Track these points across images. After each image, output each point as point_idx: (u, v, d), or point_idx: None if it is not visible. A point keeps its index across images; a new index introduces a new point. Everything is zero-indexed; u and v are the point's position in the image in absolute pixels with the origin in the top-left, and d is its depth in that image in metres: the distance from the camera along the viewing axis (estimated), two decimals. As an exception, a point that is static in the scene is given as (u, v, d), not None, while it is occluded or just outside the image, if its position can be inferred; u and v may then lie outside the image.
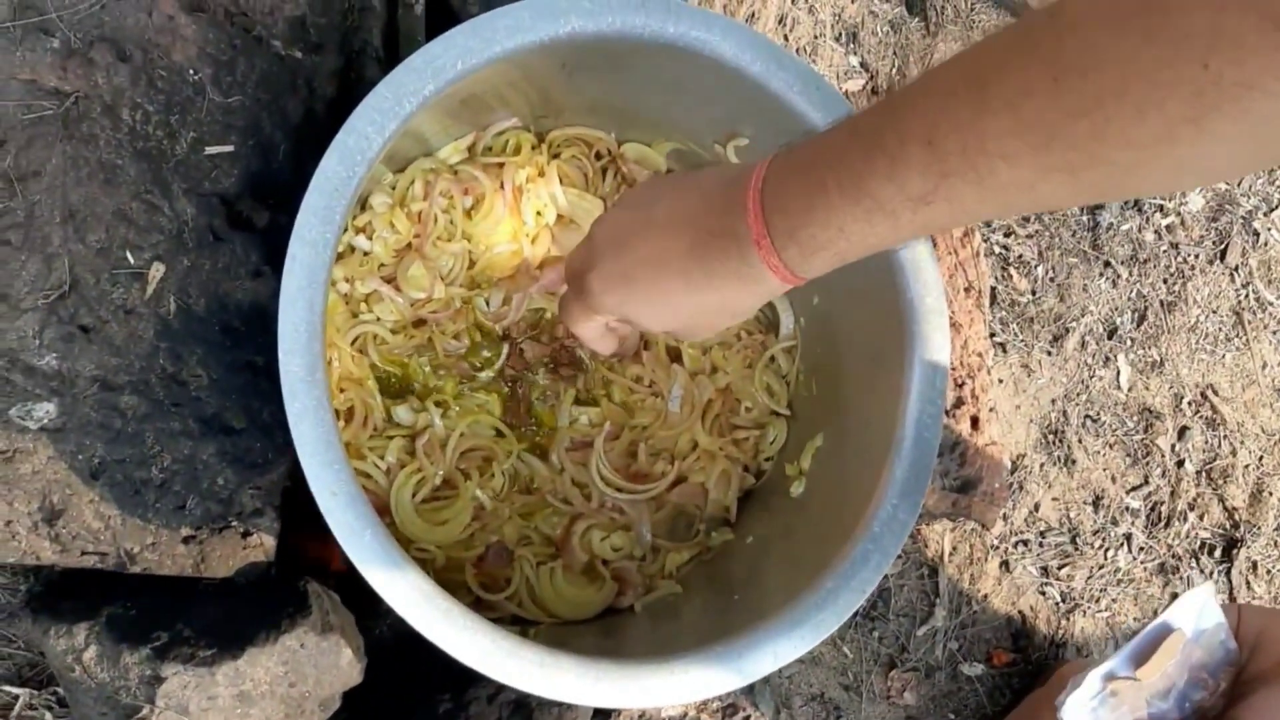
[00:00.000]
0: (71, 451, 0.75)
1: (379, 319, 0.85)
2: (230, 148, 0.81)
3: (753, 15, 1.21)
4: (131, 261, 0.77)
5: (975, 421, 1.07)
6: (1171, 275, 1.38)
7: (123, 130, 0.78)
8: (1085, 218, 1.37)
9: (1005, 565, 1.28)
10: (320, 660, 0.78)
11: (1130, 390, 1.37)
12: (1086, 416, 1.35)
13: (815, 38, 1.26)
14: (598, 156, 0.93)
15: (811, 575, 0.77)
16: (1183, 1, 0.39)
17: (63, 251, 0.75)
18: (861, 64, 1.29)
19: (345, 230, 0.85)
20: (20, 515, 0.75)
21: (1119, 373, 1.36)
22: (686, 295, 0.61)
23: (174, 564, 0.78)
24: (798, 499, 0.88)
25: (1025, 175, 0.46)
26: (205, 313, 0.79)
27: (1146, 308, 1.37)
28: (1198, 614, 0.78)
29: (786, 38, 1.24)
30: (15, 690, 0.90)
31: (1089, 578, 1.32)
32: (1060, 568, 1.31)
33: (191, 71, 0.80)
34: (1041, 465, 1.32)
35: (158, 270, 0.78)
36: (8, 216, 0.75)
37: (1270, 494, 1.41)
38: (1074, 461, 1.33)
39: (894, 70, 1.30)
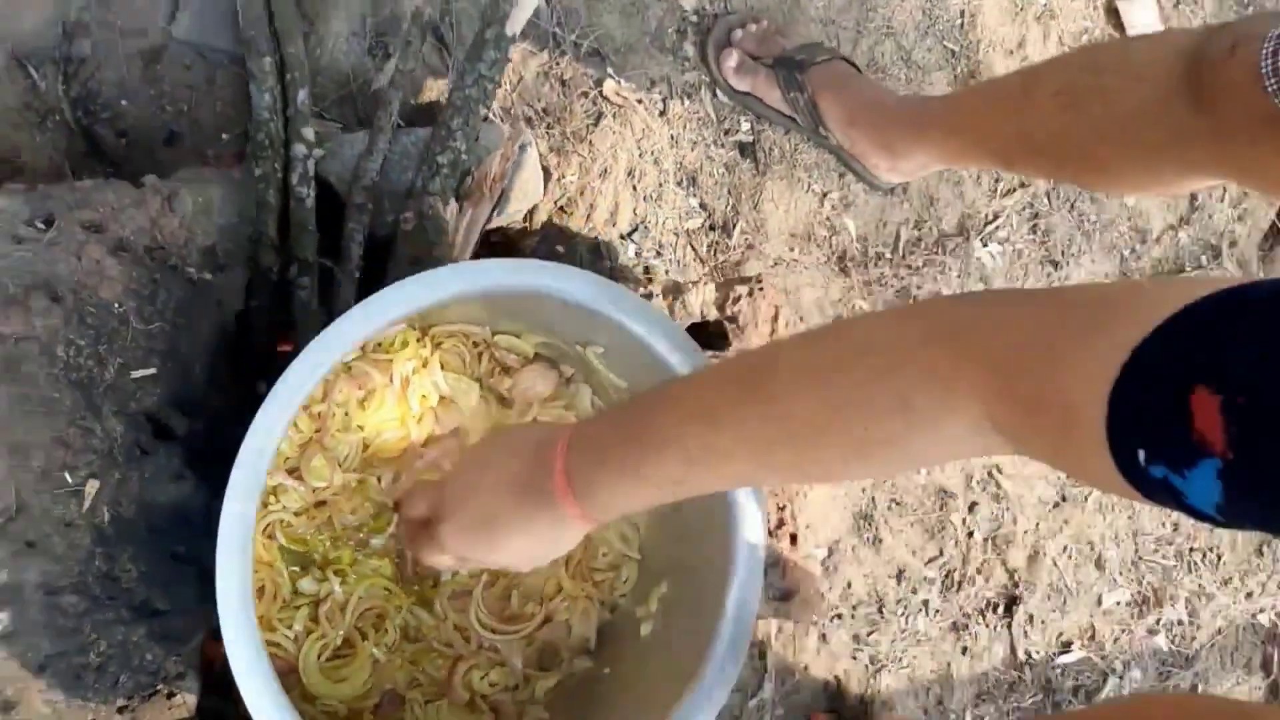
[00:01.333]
0: (22, 651, 0.86)
1: (284, 507, 0.98)
2: (153, 370, 0.92)
3: (605, 170, 1.37)
4: (70, 481, 0.88)
5: (794, 538, 1.27)
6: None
7: (58, 365, 0.89)
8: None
9: (823, 637, 1.50)
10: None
11: (928, 474, 1.60)
12: (892, 500, 1.57)
13: (660, 185, 1.42)
14: (475, 345, 1.08)
15: (661, 711, 0.95)
16: (846, 372, 0.63)
17: (10, 480, 0.86)
18: (701, 204, 1.46)
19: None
20: (-27, 706, 0.86)
21: (916, 469, 1.58)
22: (514, 540, 0.79)
23: (112, 734, 0.90)
24: (646, 639, 1.05)
25: (747, 469, 0.70)
26: (134, 516, 0.91)
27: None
28: None
29: (635, 187, 1.40)
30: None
31: (893, 641, 1.55)
32: (869, 634, 1.53)
33: (117, 305, 0.91)
34: (854, 547, 1.54)
35: (92, 487, 0.89)
36: (-46, 446, 0.85)
37: (1044, 555, 1.67)
38: (881, 540, 1.55)
39: (729, 207, 1.48)
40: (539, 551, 0.81)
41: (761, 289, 1.27)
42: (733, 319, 1.26)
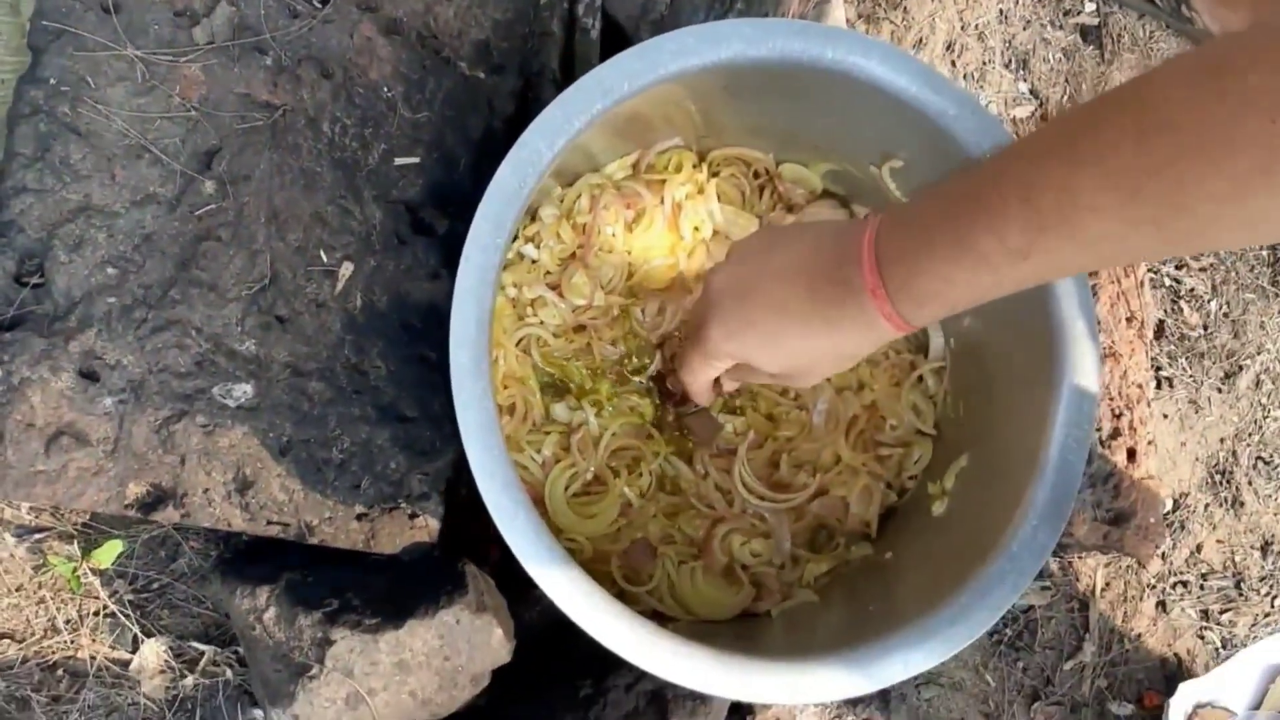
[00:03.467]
0: (264, 429, 0.83)
1: (542, 323, 0.90)
2: (416, 159, 0.88)
3: (920, 41, 1.23)
4: (324, 260, 0.85)
5: (1132, 454, 1.06)
6: (1357, 315, 1.32)
7: (323, 141, 0.86)
8: (1265, 252, 1.33)
9: (1162, 605, 1.24)
10: (474, 637, 0.83)
11: (1309, 432, 1.31)
12: (1259, 458, 1.30)
13: (984, 64, 1.26)
14: (755, 176, 0.96)
15: (947, 592, 0.78)
16: (1250, 63, 0.43)
17: (265, 249, 0.84)
18: (1031, 91, 1.28)
19: (515, 238, 0.91)
20: (216, 485, 0.83)
21: (1295, 414, 1.30)
22: (803, 340, 0.65)
23: (347, 538, 0.84)
24: (938, 518, 0.89)
25: (1114, 228, 0.49)
26: (387, 309, 0.86)
27: (1327, 347, 1.31)
28: None
29: (954, 63, 1.25)
30: (202, 646, 0.99)
31: (1253, 624, 1.27)
32: (1222, 612, 1.26)
33: (385, 89, 0.88)
34: (1206, 506, 1.28)
35: (347, 269, 0.85)
36: (220, 215, 0.84)
37: None
38: (1242, 504, 1.28)
39: (1065, 98, 1.29)
40: (830, 357, 0.67)
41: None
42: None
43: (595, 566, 0.89)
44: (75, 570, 0.95)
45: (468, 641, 0.83)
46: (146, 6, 0.84)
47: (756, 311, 0.67)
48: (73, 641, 0.96)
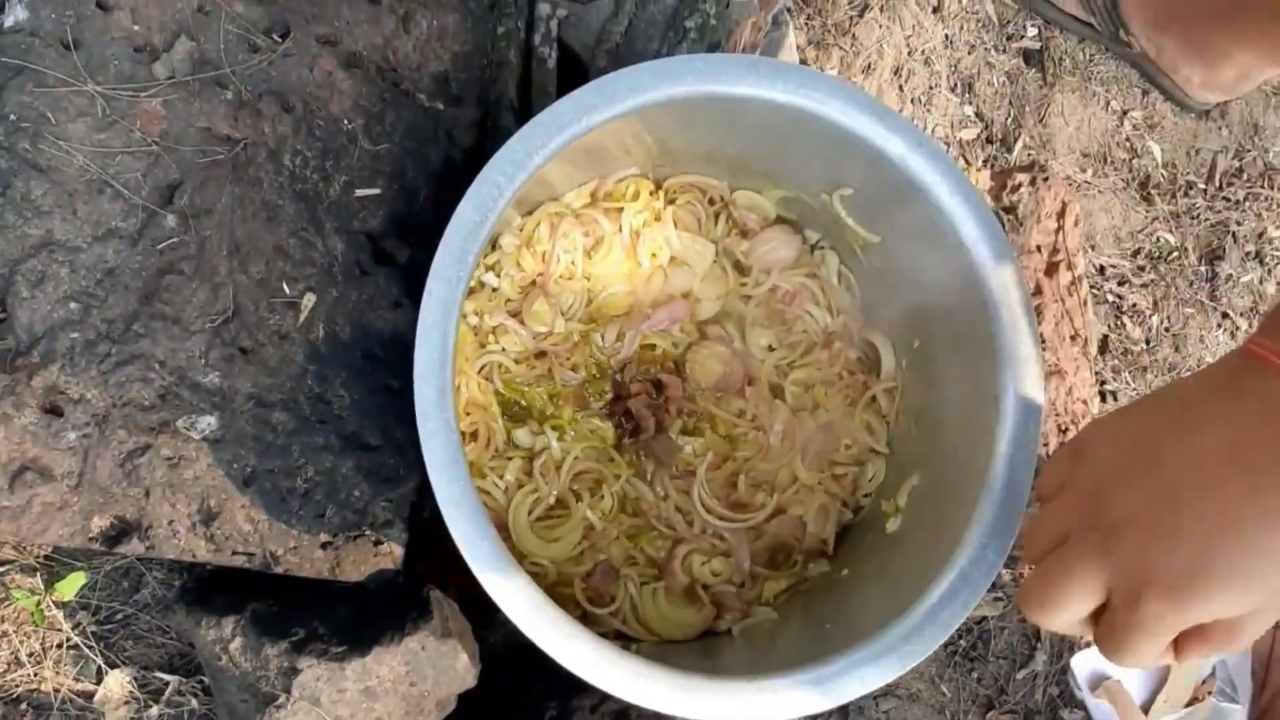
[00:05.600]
0: (228, 460, 0.84)
1: (504, 350, 0.92)
2: (377, 190, 0.89)
3: (869, 66, 1.26)
4: (287, 291, 0.86)
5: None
6: (1292, 328, 1.36)
7: (284, 174, 0.87)
8: (1204, 268, 1.37)
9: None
10: (439, 663, 0.84)
11: None
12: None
13: (930, 88, 1.29)
14: (710, 203, 0.99)
15: (903, 609, 0.80)
16: None
17: (228, 281, 0.84)
18: (976, 113, 1.32)
19: (476, 268, 0.92)
20: (181, 516, 0.83)
21: (1234, 425, 1.34)
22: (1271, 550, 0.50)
23: (312, 567, 0.85)
24: (892, 535, 0.91)
25: None
26: (349, 340, 0.88)
27: (1265, 360, 1.36)
28: None
29: (902, 88, 1.28)
30: (166, 676, 0.99)
31: (1198, 631, 1.31)
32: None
33: (346, 121, 0.89)
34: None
35: (309, 300, 0.86)
36: (182, 249, 0.84)
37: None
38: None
39: (1009, 119, 1.33)
40: None
41: (1046, 178, 1.11)
42: (1010, 209, 1.11)
43: (559, 589, 0.90)
44: (39, 603, 0.95)
45: (433, 667, 0.84)
46: (106, 42, 0.85)
47: (1209, 550, 0.51)
48: (36, 674, 0.96)
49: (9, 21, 0.83)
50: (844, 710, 1.16)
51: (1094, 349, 1.19)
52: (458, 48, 0.94)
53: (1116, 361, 1.32)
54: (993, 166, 1.30)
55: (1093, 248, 1.32)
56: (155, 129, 0.85)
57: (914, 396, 0.96)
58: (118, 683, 0.97)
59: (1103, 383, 1.30)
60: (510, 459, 0.91)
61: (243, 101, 0.86)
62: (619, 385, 0.94)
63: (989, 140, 1.32)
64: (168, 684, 0.99)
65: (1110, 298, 1.33)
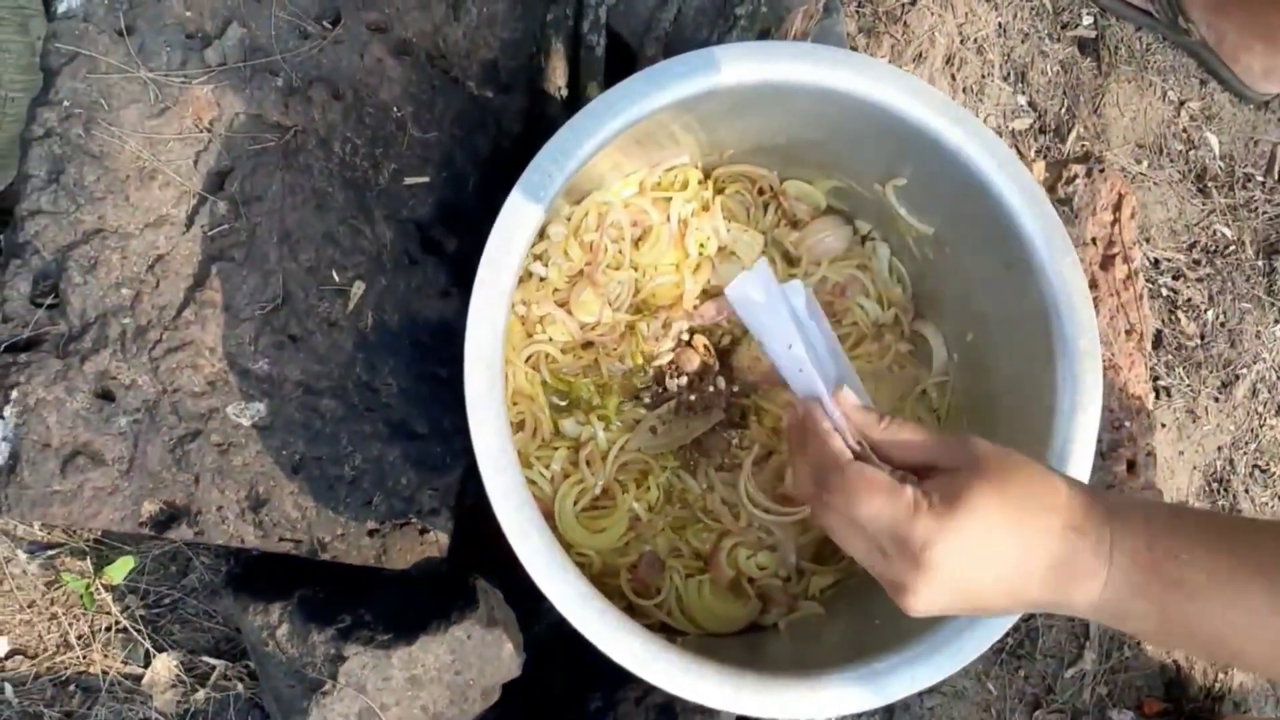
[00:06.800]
0: (277, 447, 0.84)
1: (551, 339, 0.91)
2: (426, 179, 0.89)
3: (920, 55, 1.24)
4: (336, 279, 0.86)
5: (1131, 465, 1.07)
6: (1352, 325, 1.33)
7: (334, 161, 0.87)
8: (1261, 262, 1.34)
9: (1161, 613, 1.25)
10: (484, 652, 0.84)
11: (1304, 439, 1.32)
12: (1255, 466, 1.31)
13: (983, 77, 1.27)
14: (760, 192, 0.97)
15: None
16: None
17: (278, 268, 0.84)
18: (1029, 103, 1.30)
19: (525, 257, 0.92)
20: (230, 502, 0.84)
21: (1291, 423, 1.32)
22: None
23: (359, 554, 0.85)
24: (943, 530, 0.89)
25: None
26: (398, 328, 0.87)
27: (1323, 357, 1.33)
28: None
29: (954, 77, 1.26)
30: (213, 660, 1.00)
31: (1251, 633, 1.28)
32: (1220, 620, 1.27)
33: (395, 109, 0.89)
34: (1204, 514, 1.29)
35: (358, 288, 0.86)
36: (233, 235, 0.84)
37: None
38: (1239, 511, 1.29)
39: (1063, 109, 1.30)
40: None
41: (1102, 170, 1.09)
42: (1065, 201, 1.09)
43: (605, 580, 0.90)
44: (88, 586, 0.96)
45: (479, 656, 0.84)
46: (159, 29, 0.85)
47: (980, 608, 0.63)
48: (85, 657, 0.97)
49: (62, 7, 0.84)
50: (889, 706, 1.15)
51: (1149, 344, 1.16)
52: (506, 35, 0.93)
53: (1170, 357, 1.29)
54: (1046, 157, 1.28)
55: (1147, 240, 1.30)
56: (206, 116, 0.85)
57: (966, 390, 0.94)
58: (165, 666, 0.98)
59: (1156, 378, 1.28)
60: (557, 449, 0.91)
61: (293, 88, 0.86)
62: (661, 375, 0.93)
63: (1042, 130, 1.30)
64: (214, 668, 1.00)
65: (1165, 292, 1.30)
